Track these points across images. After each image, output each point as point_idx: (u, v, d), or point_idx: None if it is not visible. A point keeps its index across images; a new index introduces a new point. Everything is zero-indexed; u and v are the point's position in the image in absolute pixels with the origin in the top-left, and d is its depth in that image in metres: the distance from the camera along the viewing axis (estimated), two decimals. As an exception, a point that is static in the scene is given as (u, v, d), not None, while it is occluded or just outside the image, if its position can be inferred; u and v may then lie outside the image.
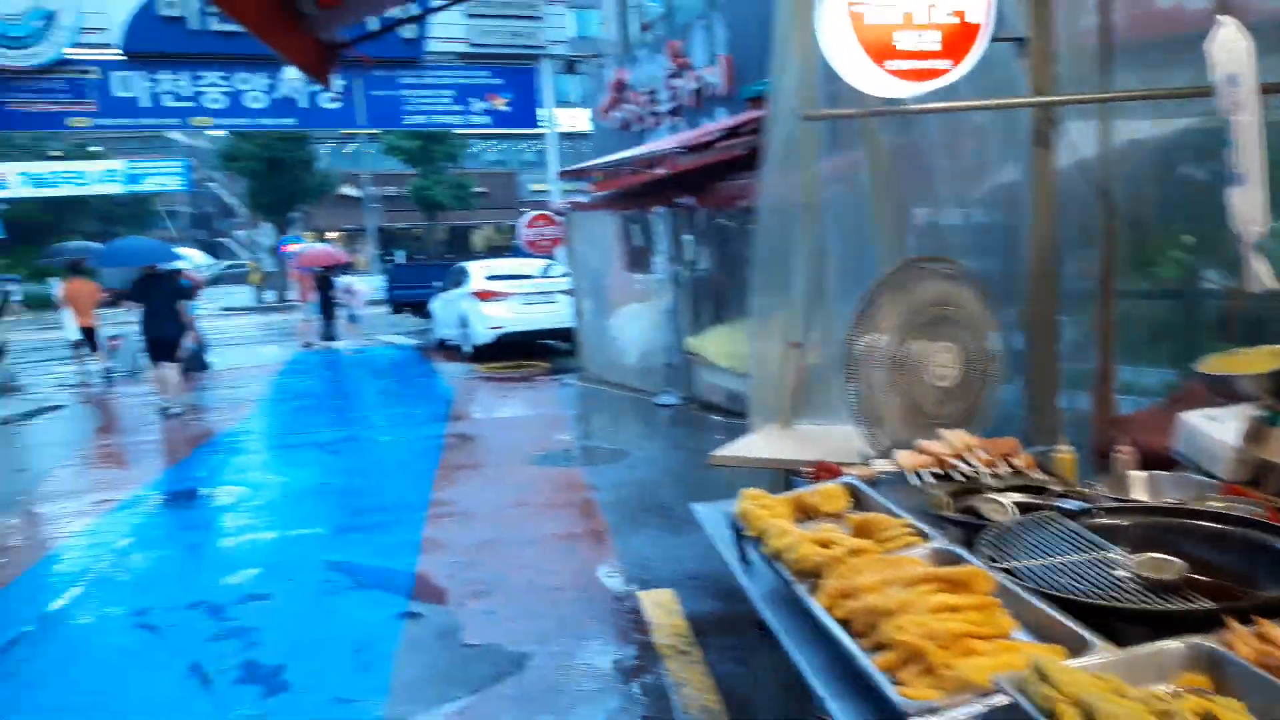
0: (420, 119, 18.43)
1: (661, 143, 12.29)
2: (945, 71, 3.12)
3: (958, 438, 2.93)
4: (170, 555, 5.87)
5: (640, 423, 9.67)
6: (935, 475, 2.78)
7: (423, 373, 14.77)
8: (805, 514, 2.53)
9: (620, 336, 11.70)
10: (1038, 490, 2.62)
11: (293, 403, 12.29)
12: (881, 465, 2.90)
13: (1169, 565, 1.90)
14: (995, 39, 3.23)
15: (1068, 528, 2.15)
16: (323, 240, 38.92)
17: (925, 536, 2.20)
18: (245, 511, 6.81)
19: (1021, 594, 1.82)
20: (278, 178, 33.64)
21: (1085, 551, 2.04)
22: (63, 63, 15.56)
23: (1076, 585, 1.89)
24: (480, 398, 12.00)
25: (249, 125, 18.64)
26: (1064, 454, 2.81)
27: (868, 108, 3.40)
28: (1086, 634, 1.63)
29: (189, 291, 12.06)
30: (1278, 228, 2.60)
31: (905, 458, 2.84)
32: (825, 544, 2.13)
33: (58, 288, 15.82)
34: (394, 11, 5.78)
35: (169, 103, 16.41)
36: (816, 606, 1.91)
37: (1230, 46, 2.46)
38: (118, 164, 29.74)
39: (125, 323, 16.09)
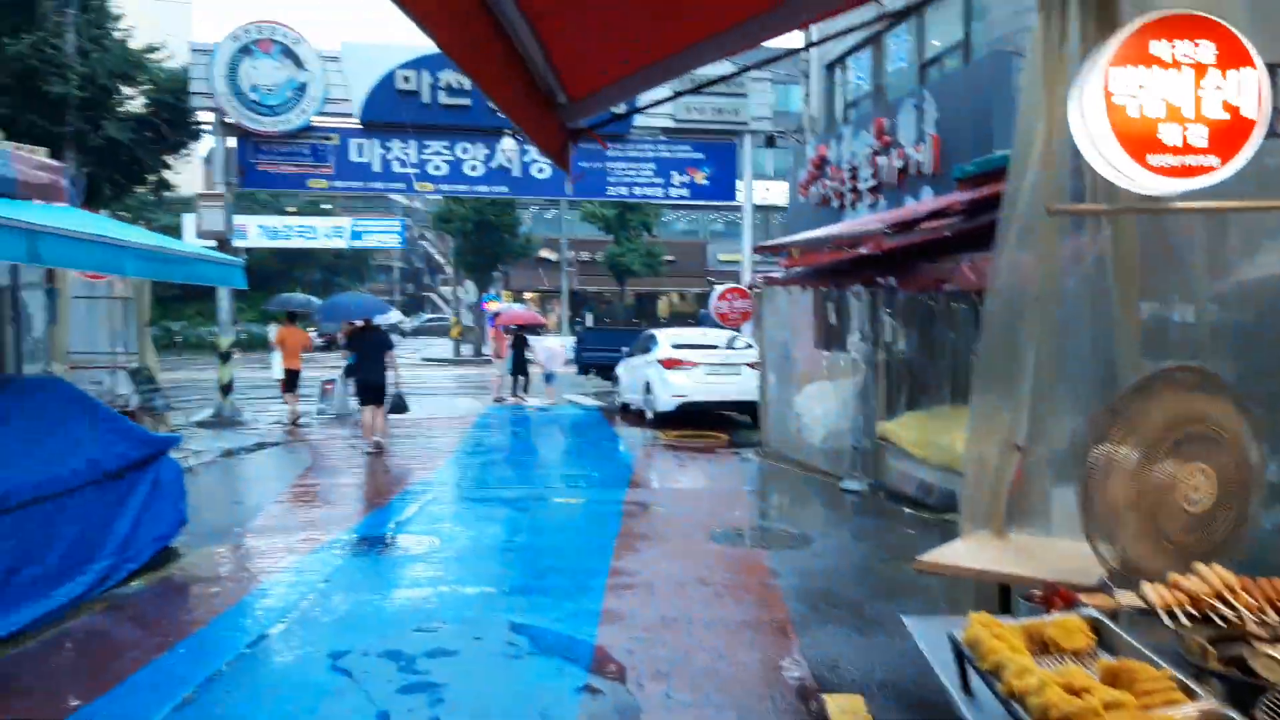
0: (623, 190, 19.10)
1: (862, 220, 12.10)
2: (1213, 169, 2.87)
3: (1216, 574, 2.60)
4: (367, 600, 6.12)
5: (824, 507, 9.37)
6: (1190, 616, 2.48)
7: (606, 436, 15.03)
8: (1040, 647, 2.30)
9: (805, 413, 11.48)
10: (1321, 647, 2.28)
11: (483, 456, 12.77)
12: (1126, 598, 2.61)
13: None
14: (1270, 134, 2.94)
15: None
16: (519, 300, 40.99)
17: (1192, 695, 1.94)
18: (437, 562, 7.06)
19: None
20: (484, 239, 35.87)
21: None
22: (308, 129, 17.30)
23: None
24: (660, 465, 12.06)
25: (467, 191, 19.98)
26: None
27: (1119, 204, 3.16)
28: None
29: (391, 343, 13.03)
30: None
31: (1155, 592, 2.55)
32: (1074, 689, 1.91)
33: (273, 331, 17.46)
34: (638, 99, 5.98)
35: (397, 168, 17.92)
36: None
37: None
38: (344, 221, 32.52)
39: (335, 367, 17.43)
